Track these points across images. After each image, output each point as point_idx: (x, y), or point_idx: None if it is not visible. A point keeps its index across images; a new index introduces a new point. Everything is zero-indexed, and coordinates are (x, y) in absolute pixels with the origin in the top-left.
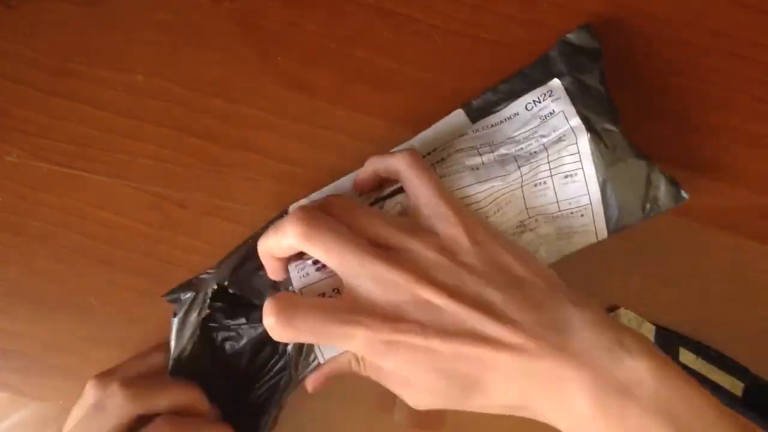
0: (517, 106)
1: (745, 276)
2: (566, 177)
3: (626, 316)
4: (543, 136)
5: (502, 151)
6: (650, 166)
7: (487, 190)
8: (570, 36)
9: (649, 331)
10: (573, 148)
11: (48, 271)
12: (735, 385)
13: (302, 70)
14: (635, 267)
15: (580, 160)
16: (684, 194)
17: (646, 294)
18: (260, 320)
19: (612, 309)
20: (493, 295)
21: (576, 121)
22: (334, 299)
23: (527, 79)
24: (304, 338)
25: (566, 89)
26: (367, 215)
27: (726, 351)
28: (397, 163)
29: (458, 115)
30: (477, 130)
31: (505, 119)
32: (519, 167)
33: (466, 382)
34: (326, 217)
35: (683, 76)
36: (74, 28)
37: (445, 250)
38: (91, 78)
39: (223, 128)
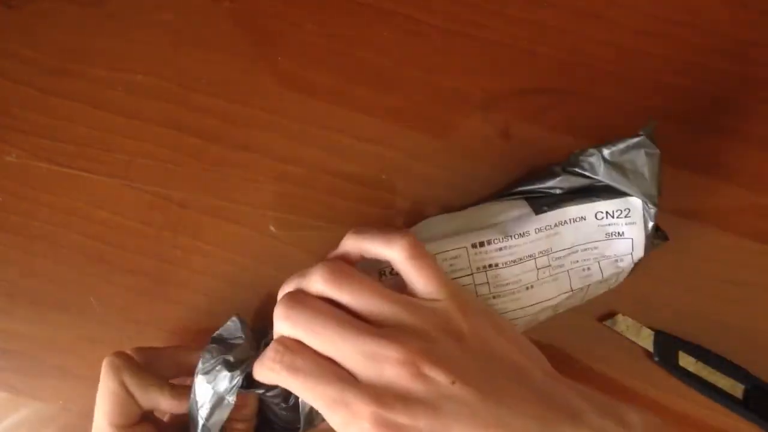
0: (587, 209)
1: (745, 276)
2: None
3: (624, 322)
4: (604, 257)
5: (558, 263)
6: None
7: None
8: (639, 140)
9: (647, 336)
10: (627, 258)
11: (48, 271)
12: (735, 388)
13: (302, 70)
14: (635, 267)
15: (632, 260)
16: (666, 235)
17: (646, 294)
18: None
19: (610, 315)
20: (501, 385)
21: (640, 253)
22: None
23: (596, 189)
24: (296, 385)
25: (643, 215)
26: (360, 288)
27: (726, 352)
28: (393, 254)
29: (522, 206)
30: (539, 230)
31: (570, 220)
32: (572, 289)
33: None
34: (309, 297)
35: (683, 77)
36: (74, 28)
37: (448, 333)
38: (91, 78)
39: (223, 128)
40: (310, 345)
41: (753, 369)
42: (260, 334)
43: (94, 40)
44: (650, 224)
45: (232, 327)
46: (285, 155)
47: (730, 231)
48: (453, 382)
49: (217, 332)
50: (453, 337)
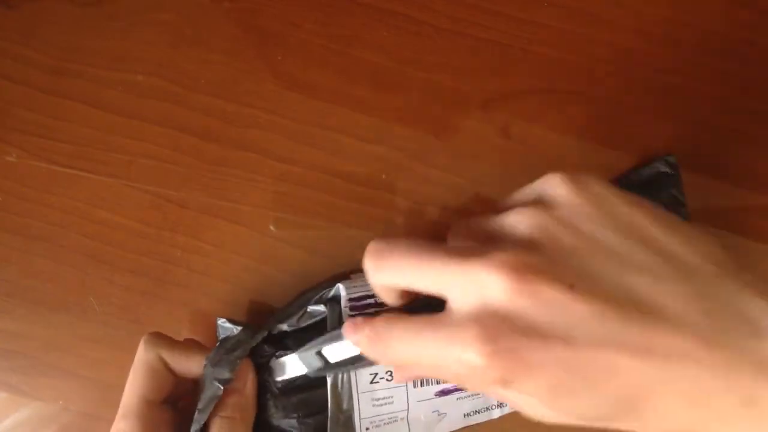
0: None
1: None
2: None
3: None
4: None
5: None
6: None
7: None
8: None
9: None
10: None
11: (48, 271)
12: None
13: (302, 70)
14: None
15: None
16: None
17: None
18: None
19: None
20: (644, 284)
21: None
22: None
23: None
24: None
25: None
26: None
27: None
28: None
29: None
30: None
31: None
32: None
33: (618, 402)
34: (389, 243)
35: (683, 76)
36: (75, 28)
37: (561, 223)
38: (91, 78)
39: (223, 128)
40: (402, 284)
41: None
42: (254, 328)
43: (94, 40)
44: None
45: (223, 329)
46: (285, 155)
47: (730, 231)
48: (573, 296)
49: (222, 337)
50: (568, 235)
